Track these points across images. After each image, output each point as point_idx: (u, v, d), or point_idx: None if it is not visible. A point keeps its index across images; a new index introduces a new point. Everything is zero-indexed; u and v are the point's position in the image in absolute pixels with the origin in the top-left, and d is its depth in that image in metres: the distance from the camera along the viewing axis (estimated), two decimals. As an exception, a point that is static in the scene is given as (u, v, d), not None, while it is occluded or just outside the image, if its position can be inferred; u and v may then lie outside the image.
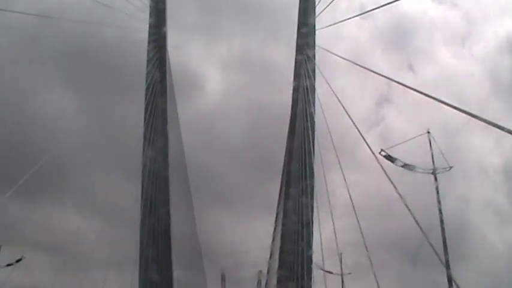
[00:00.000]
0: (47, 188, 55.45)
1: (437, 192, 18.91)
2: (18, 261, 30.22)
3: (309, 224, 61.56)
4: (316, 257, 42.35)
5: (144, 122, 60.77)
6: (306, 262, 59.88)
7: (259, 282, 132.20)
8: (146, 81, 56.48)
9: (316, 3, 48.87)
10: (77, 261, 47.93)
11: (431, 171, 19.25)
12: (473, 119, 13.37)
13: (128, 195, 51.74)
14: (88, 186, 44.86)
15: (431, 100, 18.08)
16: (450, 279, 17.31)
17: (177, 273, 65.48)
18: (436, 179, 19.07)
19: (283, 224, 72.72)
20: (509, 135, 9.00)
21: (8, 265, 30.20)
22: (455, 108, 15.69)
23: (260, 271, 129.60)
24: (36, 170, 28.21)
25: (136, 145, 56.03)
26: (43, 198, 66.96)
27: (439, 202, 18.70)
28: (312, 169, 57.39)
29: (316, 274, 44.53)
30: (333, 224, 36.24)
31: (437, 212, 18.72)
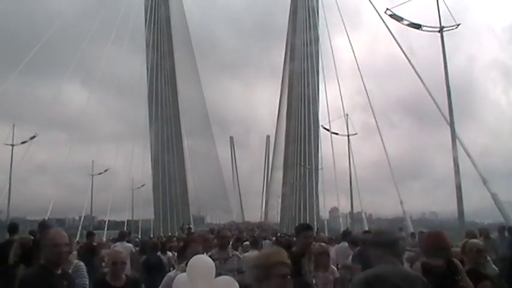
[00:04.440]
0: (53, 65, 55.11)
1: (444, 51, 18.32)
2: (32, 138, 30.63)
3: (314, 85, 61.88)
4: (324, 120, 43.06)
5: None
6: (313, 123, 61.19)
7: (267, 146, 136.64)
8: None
9: None
10: (89, 135, 49.28)
11: (438, 29, 18.43)
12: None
13: (133, 67, 51.42)
14: (93, 60, 44.22)
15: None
16: (454, 137, 17.45)
17: (187, 141, 67.69)
18: (442, 37, 18.37)
19: (289, 88, 73.16)
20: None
21: (23, 142, 30.71)
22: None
23: (268, 136, 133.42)
24: (41, 47, 27.77)
25: (138, 17, 54.47)
26: (50, 75, 66.98)
27: (445, 60, 18.19)
28: (317, 31, 56.12)
29: (323, 135, 45.59)
30: (338, 83, 36.29)
31: (444, 71, 18.32)
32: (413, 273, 3.16)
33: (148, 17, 58.65)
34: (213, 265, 3.70)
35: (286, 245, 8.02)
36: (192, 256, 4.81)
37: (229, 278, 3.50)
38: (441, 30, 18.46)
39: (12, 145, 30.93)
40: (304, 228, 5.32)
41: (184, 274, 3.96)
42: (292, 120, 69.74)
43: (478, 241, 5.04)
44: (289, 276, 2.65)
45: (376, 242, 3.17)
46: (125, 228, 33.68)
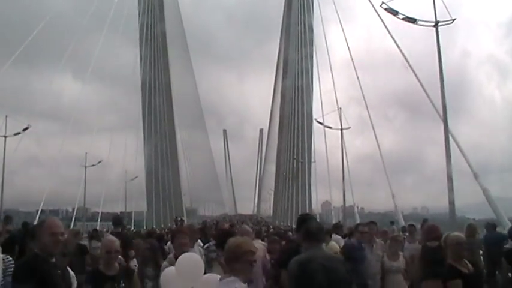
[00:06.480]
0: (46, 57, 54.86)
1: (439, 45, 18.32)
2: (25, 129, 30.51)
3: (308, 79, 61.84)
4: (317, 113, 43.10)
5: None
6: (307, 117, 61.20)
7: (260, 139, 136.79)
8: None
9: None
10: (82, 127, 49.14)
11: (433, 23, 18.42)
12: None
13: (127, 58, 51.28)
14: (86, 51, 44.11)
15: None
16: (447, 132, 17.47)
17: (180, 134, 67.63)
18: (437, 32, 18.36)
19: (283, 80, 73.09)
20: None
21: (16, 134, 30.58)
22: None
23: (261, 129, 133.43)
24: (34, 38, 27.64)
25: (133, 5, 54.19)
26: (43, 67, 66.68)
27: (439, 55, 18.19)
28: (311, 20, 56.14)
29: (317, 129, 45.62)
30: (332, 77, 36.31)
31: (438, 66, 18.31)
32: (334, 255, 4.33)
33: (142, 9, 58.46)
34: (202, 264, 3.80)
35: None
36: (180, 246, 4.90)
37: (216, 276, 3.59)
38: (436, 24, 18.43)
39: (5, 136, 30.79)
40: (306, 218, 5.39)
41: (172, 268, 4.01)
42: (285, 114, 69.75)
43: (459, 234, 5.08)
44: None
45: (304, 230, 4.03)
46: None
